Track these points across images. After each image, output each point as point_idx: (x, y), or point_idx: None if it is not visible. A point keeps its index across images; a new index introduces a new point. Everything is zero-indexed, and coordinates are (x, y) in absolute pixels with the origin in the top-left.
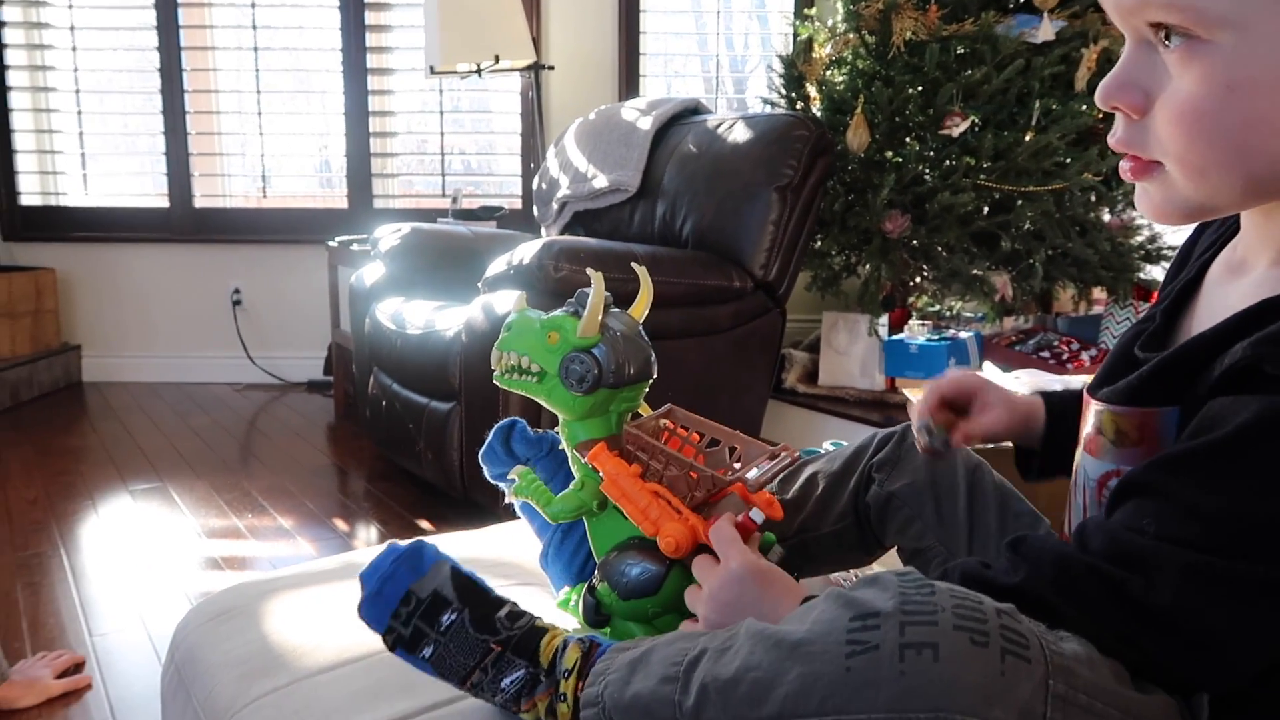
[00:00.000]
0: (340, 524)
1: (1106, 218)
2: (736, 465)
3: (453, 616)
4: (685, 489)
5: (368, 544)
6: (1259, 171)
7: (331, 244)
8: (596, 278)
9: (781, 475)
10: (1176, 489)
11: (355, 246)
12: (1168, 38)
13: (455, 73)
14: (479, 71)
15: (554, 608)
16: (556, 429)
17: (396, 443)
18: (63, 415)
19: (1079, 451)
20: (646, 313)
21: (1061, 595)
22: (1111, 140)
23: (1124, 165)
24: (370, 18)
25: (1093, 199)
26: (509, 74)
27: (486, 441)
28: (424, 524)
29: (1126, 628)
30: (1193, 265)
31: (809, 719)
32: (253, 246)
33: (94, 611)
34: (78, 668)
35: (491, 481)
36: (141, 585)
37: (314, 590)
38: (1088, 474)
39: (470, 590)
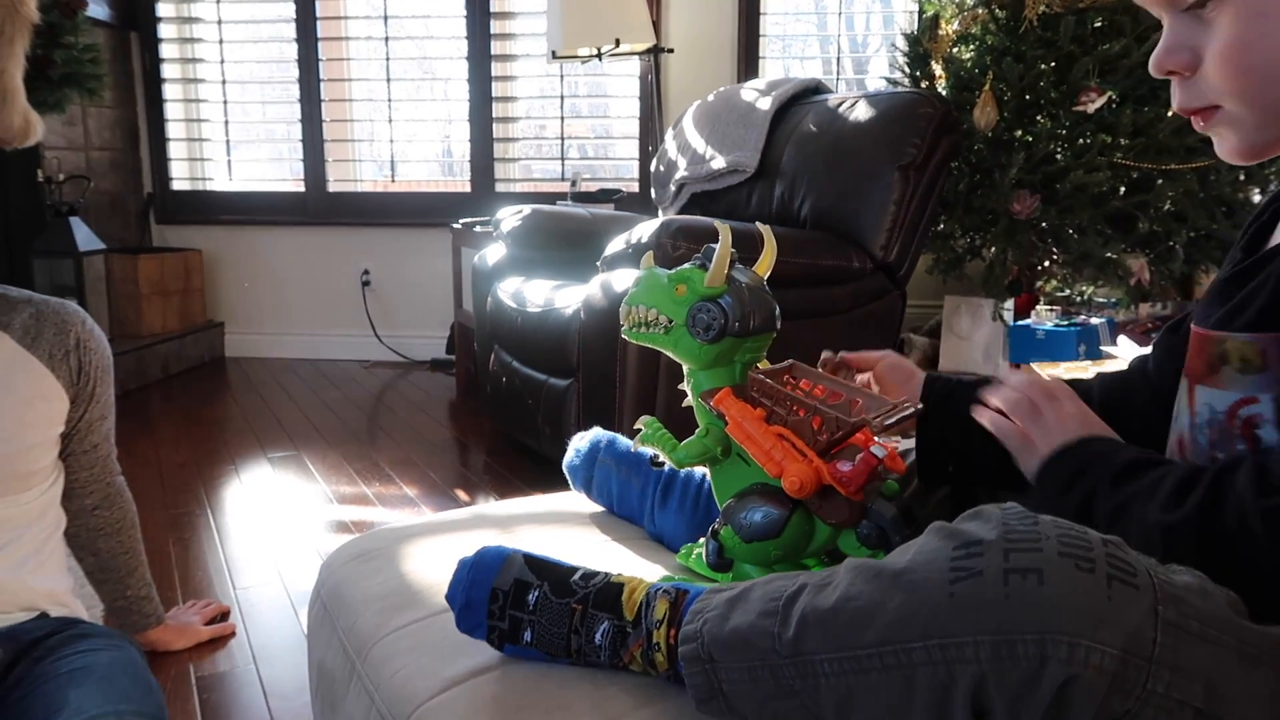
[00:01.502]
0: (461, 494)
1: (1257, 198)
2: (861, 414)
3: (536, 594)
4: (810, 434)
5: None
6: None
7: (455, 226)
8: (724, 229)
9: (905, 418)
10: None
11: (478, 228)
12: (1202, 4)
13: (576, 57)
14: (599, 55)
15: (646, 563)
16: (684, 383)
17: (515, 418)
18: (207, 387)
19: (1186, 390)
20: (770, 269)
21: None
22: (1175, 105)
23: (1195, 123)
24: (495, 4)
25: (1240, 178)
26: (628, 58)
27: (573, 458)
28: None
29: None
30: (1265, 207)
31: (914, 643)
32: (381, 229)
33: (237, 567)
34: (223, 616)
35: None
36: (279, 544)
37: (446, 537)
38: (1213, 408)
39: (545, 567)
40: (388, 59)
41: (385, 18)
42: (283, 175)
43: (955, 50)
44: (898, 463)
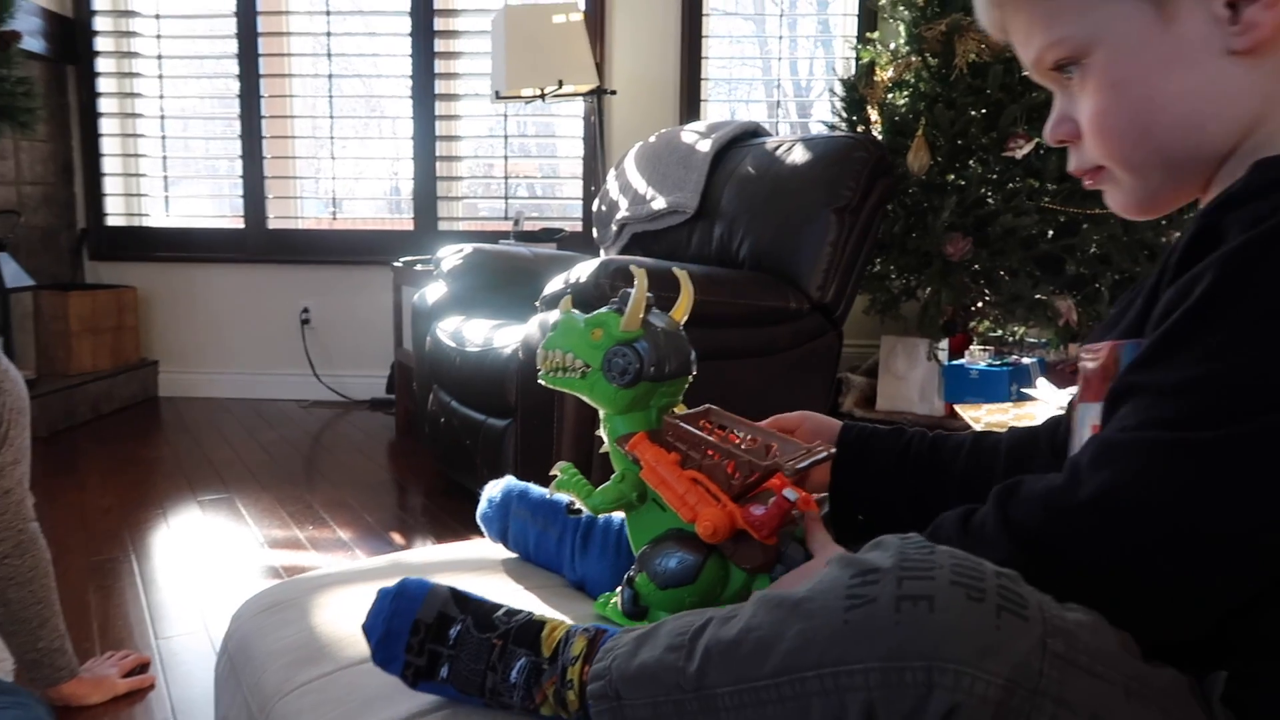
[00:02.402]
0: (397, 537)
1: None
2: (775, 458)
3: (458, 627)
4: (724, 477)
5: None
6: (1168, 143)
7: (396, 264)
8: (640, 274)
9: (817, 463)
10: (1141, 378)
11: (419, 267)
12: (1067, 74)
13: (520, 98)
14: (543, 96)
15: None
16: (599, 430)
17: (454, 459)
18: (139, 428)
19: (1074, 409)
20: (687, 315)
21: (1055, 537)
22: (1069, 168)
23: (1085, 183)
24: (440, 45)
25: (1162, 221)
26: (572, 99)
27: (486, 507)
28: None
29: (1098, 534)
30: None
31: (808, 672)
32: (322, 267)
33: (160, 615)
34: (143, 668)
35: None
36: (206, 591)
37: (361, 587)
38: (1088, 420)
39: (469, 601)
40: (331, 96)
41: (329, 55)
42: (222, 212)
43: (890, 96)
44: (811, 504)
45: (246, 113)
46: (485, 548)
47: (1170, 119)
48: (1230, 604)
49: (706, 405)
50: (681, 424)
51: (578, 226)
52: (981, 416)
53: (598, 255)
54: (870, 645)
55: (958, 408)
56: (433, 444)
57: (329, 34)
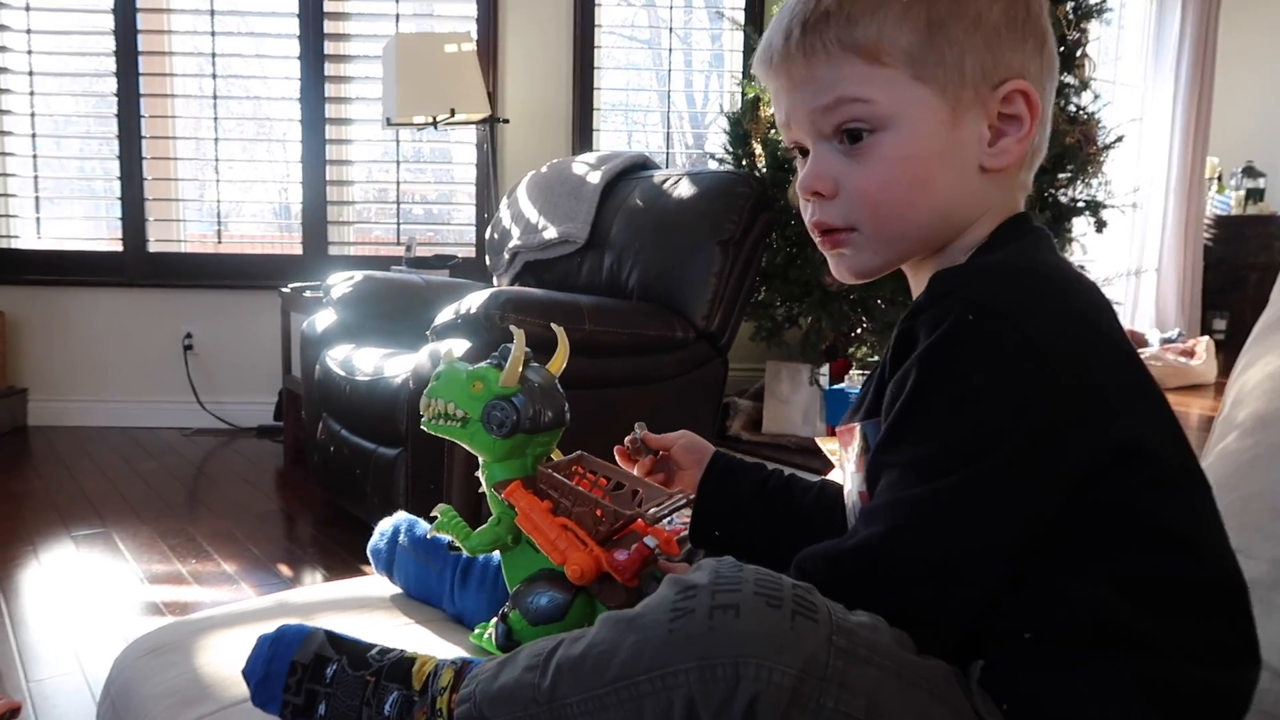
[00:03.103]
0: (284, 569)
1: None
2: (639, 505)
3: (334, 667)
4: (591, 524)
5: (311, 586)
6: (926, 222)
7: (285, 290)
8: (519, 334)
9: (677, 509)
10: (885, 459)
11: (309, 293)
12: (853, 138)
13: (411, 124)
14: (435, 124)
15: (444, 642)
16: (477, 473)
17: (344, 488)
18: (6, 460)
19: (842, 475)
20: (564, 367)
21: (834, 581)
22: (810, 221)
23: (822, 241)
24: (330, 69)
25: None
26: (465, 126)
27: (378, 540)
28: (368, 570)
29: (863, 575)
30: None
31: (640, 676)
32: (206, 291)
33: (32, 657)
34: (14, 713)
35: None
36: (81, 630)
37: (244, 629)
38: (853, 488)
39: (345, 643)
40: (216, 117)
41: (214, 76)
42: (99, 233)
43: (772, 132)
44: (673, 547)
45: (125, 130)
46: (370, 584)
47: (932, 204)
48: (972, 614)
49: (579, 453)
50: (554, 473)
51: (471, 252)
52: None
53: (490, 283)
54: (689, 649)
55: (819, 440)
56: (322, 473)
57: (214, 54)
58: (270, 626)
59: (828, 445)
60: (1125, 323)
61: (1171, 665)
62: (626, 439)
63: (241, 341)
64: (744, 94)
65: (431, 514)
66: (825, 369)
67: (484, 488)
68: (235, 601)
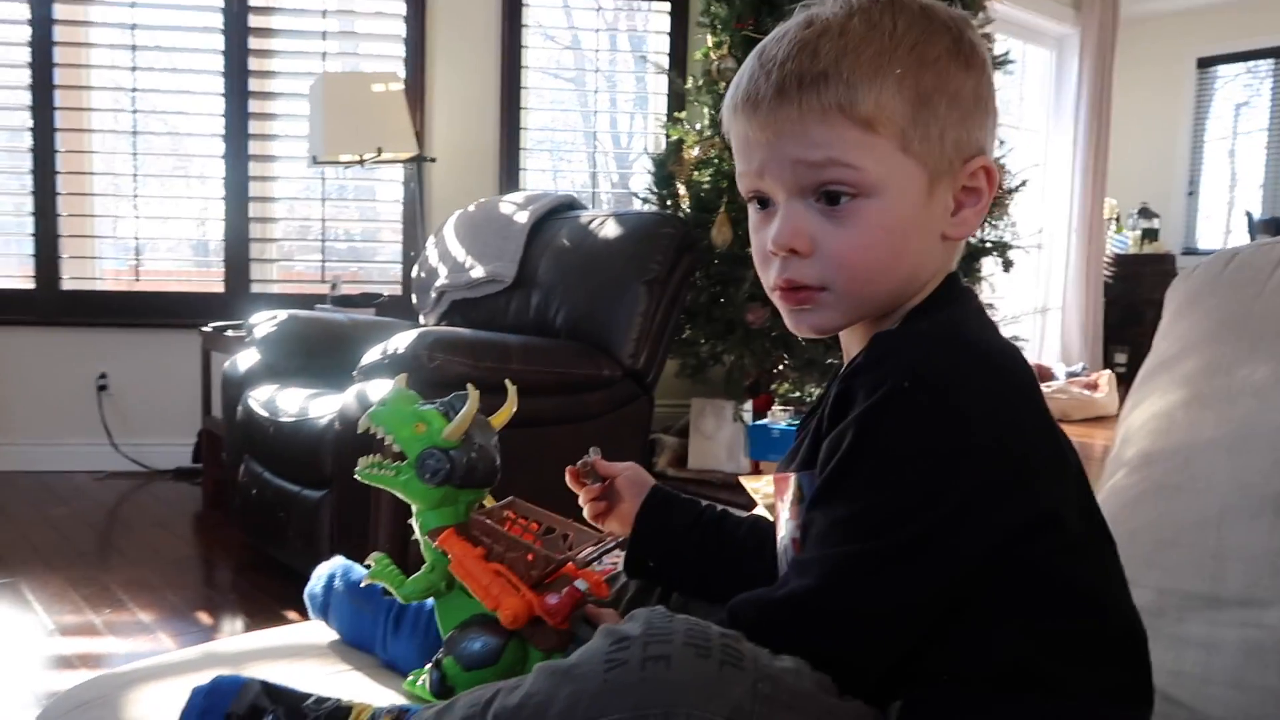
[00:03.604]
0: (204, 617)
1: None
2: (569, 549)
3: (270, 718)
4: (523, 569)
5: (232, 635)
6: (894, 288)
7: (206, 329)
8: (474, 395)
9: (607, 552)
10: (818, 513)
11: (230, 332)
12: (833, 200)
13: (338, 162)
14: (362, 162)
15: (379, 689)
16: (410, 520)
17: (267, 532)
18: None
19: (775, 519)
20: (507, 422)
21: (764, 628)
22: (779, 279)
23: (786, 296)
24: (254, 106)
25: None
26: (392, 165)
27: (314, 584)
28: (291, 615)
29: (791, 624)
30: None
31: None
32: (122, 330)
33: None
34: None
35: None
36: None
37: (176, 680)
38: (785, 533)
39: (281, 693)
40: (135, 153)
41: (134, 111)
42: (8, 270)
43: (696, 174)
44: (603, 589)
45: (40, 165)
46: (304, 631)
47: (902, 270)
48: (892, 662)
49: (511, 498)
50: (487, 520)
51: (397, 290)
52: (761, 487)
53: (417, 322)
54: (623, 699)
55: (742, 479)
56: (243, 516)
57: (135, 90)
58: (201, 678)
59: (751, 483)
60: (1033, 358)
61: (1077, 705)
62: (580, 461)
63: (159, 381)
64: (668, 136)
65: (366, 562)
66: (749, 405)
67: (417, 535)
68: (154, 654)
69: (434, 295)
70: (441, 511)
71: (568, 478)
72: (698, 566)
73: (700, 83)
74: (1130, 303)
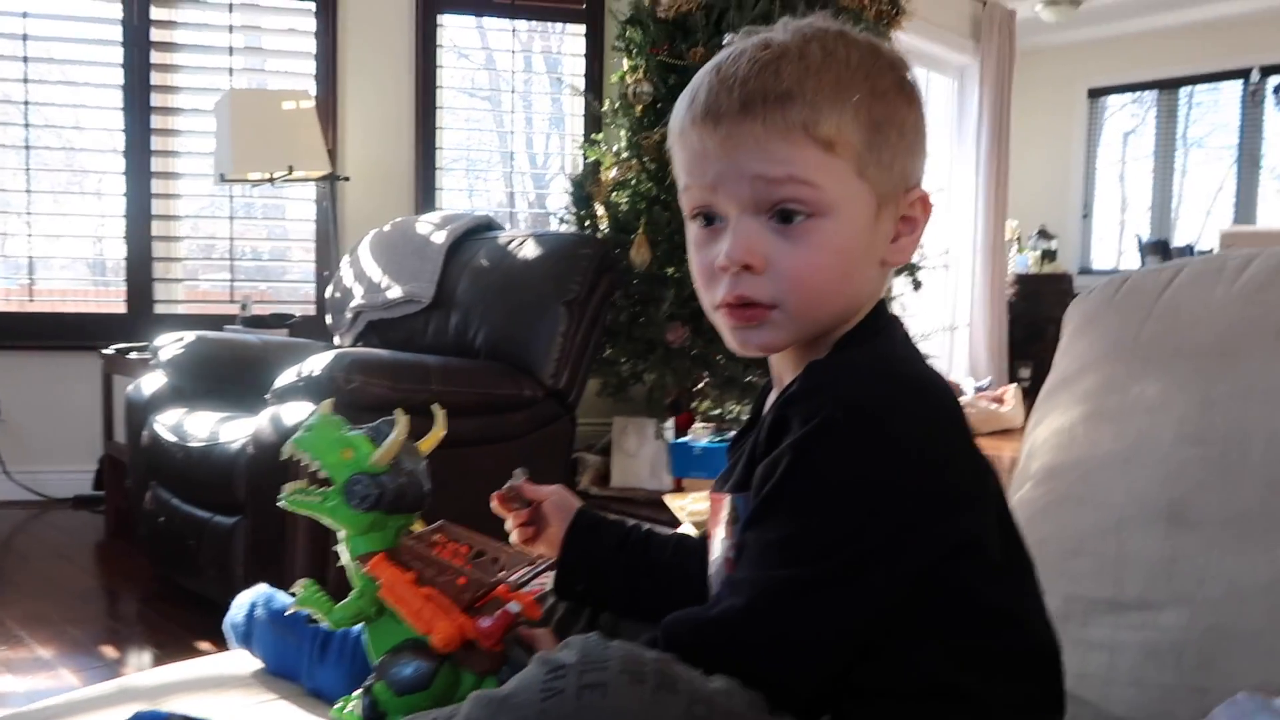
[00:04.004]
0: (109, 651)
1: None
2: (501, 572)
3: None
4: (455, 593)
5: (139, 669)
6: (839, 309)
7: (107, 351)
8: (403, 420)
9: (538, 574)
10: (752, 535)
11: (134, 355)
12: (787, 218)
13: (247, 180)
14: (272, 180)
15: (307, 718)
16: (336, 547)
17: (176, 560)
18: None
19: (709, 536)
20: (434, 448)
21: (696, 647)
22: (730, 294)
23: (734, 313)
24: (157, 122)
25: None
26: (303, 183)
27: (235, 613)
28: (205, 646)
29: (724, 644)
30: (762, 402)
31: None
32: (16, 353)
33: None
34: None
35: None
36: None
37: (89, 717)
38: (718, 552)
39: None
40: (29, 168)
41: (27, 125)
42: None
43: (614, 195)
44: (535, 610)
45: None
46: (224, 662)
47: (848, 292)
48: (822, 680)
49: (441, 521)
50: (417, 545)
51: (310, 310)
52: (686, 505)
53: (331, 342)
54: None
55: (666, 498)
56: (150, 545)
57: (27, 102)
58: (116, 715)
59: (674, 501)
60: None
61: (996, 717)
62: (506, 486)
63: (55, 406)
64: (585, 157)
65: (291, 589)
66: (670, 423)
67: (345, 560)
68: (57, 692)
69: (349, 315)
70: (370, 537)
71: (494, 504)
72: (626, 586)
73: (617, 105)
74: (1032, 320)
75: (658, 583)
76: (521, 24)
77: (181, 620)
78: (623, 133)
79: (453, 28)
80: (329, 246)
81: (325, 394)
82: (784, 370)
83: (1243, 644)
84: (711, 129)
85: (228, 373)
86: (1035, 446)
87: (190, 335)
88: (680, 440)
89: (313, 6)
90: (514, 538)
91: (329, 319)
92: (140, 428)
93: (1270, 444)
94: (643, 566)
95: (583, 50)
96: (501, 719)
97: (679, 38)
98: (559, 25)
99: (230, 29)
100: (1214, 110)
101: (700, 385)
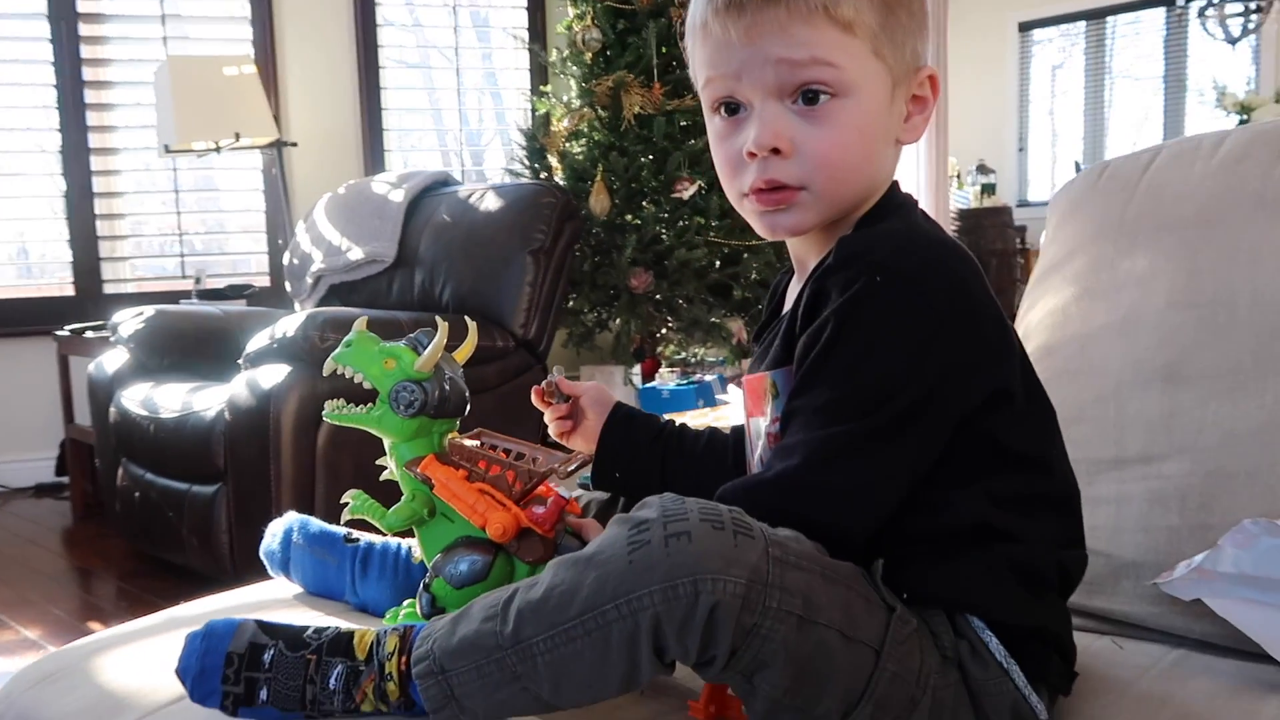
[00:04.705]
0: (95, 625)
1: None
2: (545, 467)
3: (271, 652)
4: (506, 486)
5: None
6: (864, 187)
7: (61, 333)
8: (443, 326)
9: (581, 466)
10: (800, 403)
11: (90, 334)
12: (811, 100)
13: (192, 151)
14: (219, 149)
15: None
16: (379, 460)
17: (155, 534)
18: None
19: (746, 421)
20: (469, 356)
21: (755, 508)
22: (760, 179)
23: (763, 198)
24: (90, 96)
25: None
26: (249, 151)
27: (270, 542)
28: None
29: (783, 501)
30: (777, 284)
31: (606, 605)
32: None
33: None
34: None
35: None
36: None
37: (140, 644)
38: (760, 430)
39: (279, 628)
40: None
41: None
42: None
43: (568, 145)
44: (574, 506)
45: None
46: (264, 590)
47: (870, 170)
48: (876, 527)
49: (478, 429)
50: (465, 444)
51: (265, 281)
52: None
53: (293, 309)
54: (651, 574)
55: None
56: (125, 522)
57: None
58: (164, 643)
59: (677, 419)
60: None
61: (1032, 549)
62: (544, 382)
63: (8, 393)
64: (534, 110)
65: (342, 501)
66: (637, 369)
67: (391, 469)
68: None
69: (310, 281)
70: (416, 443)
71: (534, 397)
72: (661, 475)
73: (565, 55)
74: (976, 252)
75: (691, 472)
76: None
77: (165, 593)
78: (573, 82)
79: None
80: (280, 214)
81: (300, 354)
82: (807, 254)
83: (1241, 483)
84: (736, 17)
85: (191, 345)
86: (1030, 328)
87: (149, 309)
88: (649, 385)
89: None
90: (552, 430)
91: (288, 286)
92: (106, 406)
93: (1256, 301)
94: (677, 457)
95: (524, 3)
96: (590, 574)
97: None
98: None
99: None
100: (1138, 40)
101: (664, 330)
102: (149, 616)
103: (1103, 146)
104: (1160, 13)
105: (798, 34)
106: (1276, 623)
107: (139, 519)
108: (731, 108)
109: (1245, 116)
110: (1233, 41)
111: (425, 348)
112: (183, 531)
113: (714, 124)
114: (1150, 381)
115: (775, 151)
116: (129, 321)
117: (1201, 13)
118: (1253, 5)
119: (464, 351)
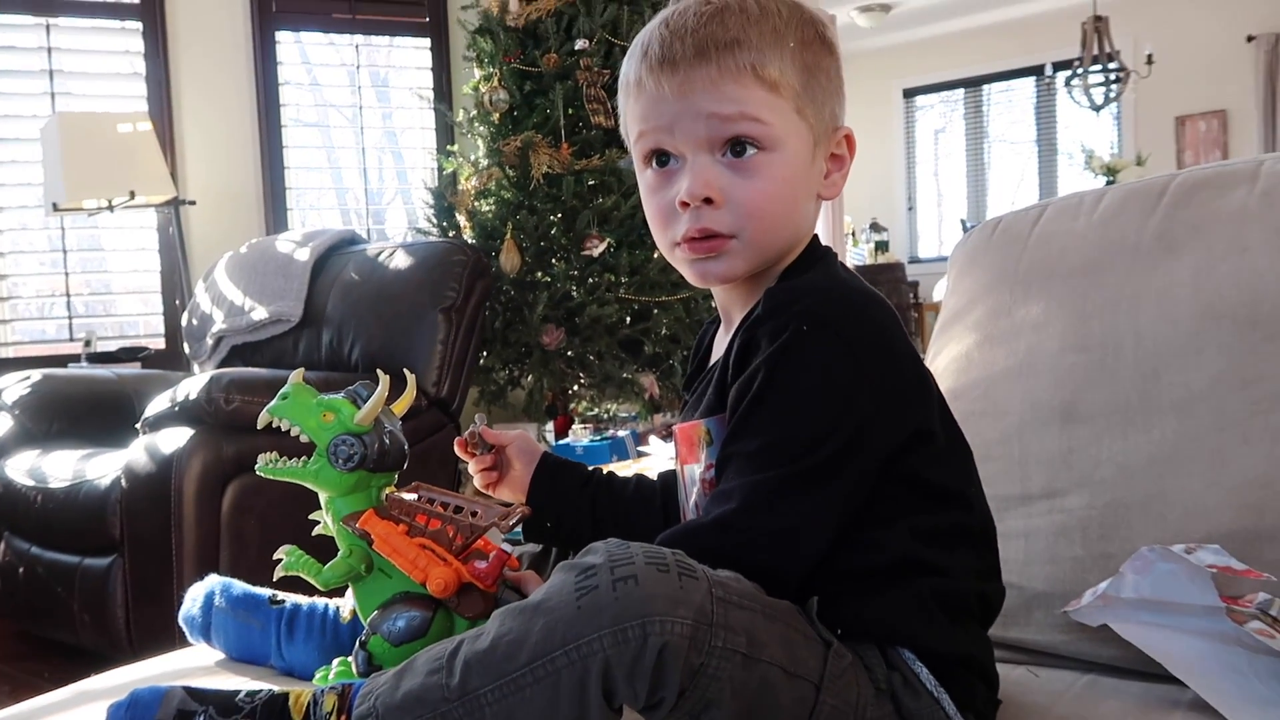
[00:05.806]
0: None
1: None
2: (485, 520)
3: (202, 718)
4: (446, 541)
5: None
6: (788, 237)
7: None
8: (384, 379)
9: (519, 520)
10: (734, 449)
11: None
12: (739, 153)
13: (82, 210)
14: (111, 207)
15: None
16: (314, 515)
17: (42, 612)
18: None
19: (679, 468)
20: (407, 409)
21: (695, 552)
22: (692, 228)
23: (695, 247)
24: None
25: (713, 304)
26: (142, 210)
27: (190, 607)
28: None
29: (723, 544)
30: (703, 334)
31: (556, 652)
32: None
33: None
34: None
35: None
36: None
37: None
38: (694, 476)
39: (207, 694)
40: None
41: None
42: None
43: (477, 203)
44: (513, 560)
45: None
46: (183, 657)
47: (795, 222)
48: (810, 567)
49: (415, 482)
50: (404, 499)
51: (160, 343)
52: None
53: (192, 371)
54: (600, 618)
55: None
56: (9, 600)
57: None
58: (80, 718)
59: (606, 467)
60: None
61: (956, 581)
62: (466, 432)
63: None
64: (441, 168)
65: (276, 557)
66: (550, 426)
67: (327, 524)
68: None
69: (210, 342)
70: (354, 498)
71: (457, 448)
72: (592, 523)
73: (472, 115)
74: None
75: (622, 517)
76: (361, 38)
77: (54, 674)
78: (480, 141)
79: (289, 44)
80: (176, 274)
81: (204, 416)
82: (733, 306)
83: (1136, 513)
84: (670, 74)
85: (82, 410)
86: (937, 374)
87: (36, 374)
88: (562, 443)
89: (139, 26)
90: (477, 481)
91: (187, 347)
92: None
93: (1139, 343)
94: (607, 504)
95: (429, 64)
96: (538, 622)
97: (530, 45)
98: (404, 39)
99: (49, 50)
100: (1011, 107)
101: (576, 387)
102: (55, 692)
103: (985, 205)
104: (1030, 81)
105: (728, 91)
106: (1176, 643)
107: (24, 596)
108: (662, 159)
109: (1111, 178)
110: (1096, 109)
111: (364, 400)
112: (74, 607)
113: (645, 177)
114: (1049, 421)
115: (707, 201)
116: (13, 387)
117: (1068, 82)
118: (1113, 75)
119: (402, 404)
